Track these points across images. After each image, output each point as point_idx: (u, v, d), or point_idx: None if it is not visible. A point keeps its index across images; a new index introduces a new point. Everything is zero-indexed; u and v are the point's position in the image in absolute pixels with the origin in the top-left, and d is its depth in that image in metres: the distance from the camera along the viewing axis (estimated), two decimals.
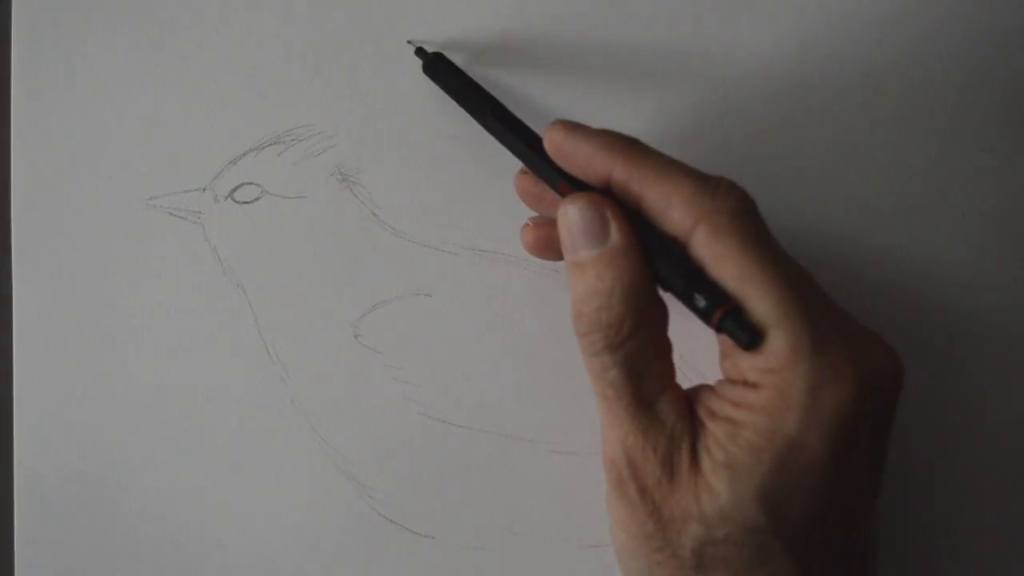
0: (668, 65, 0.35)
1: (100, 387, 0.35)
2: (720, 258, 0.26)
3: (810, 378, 0.25)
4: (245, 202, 0.35)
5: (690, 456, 0.26)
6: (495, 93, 0.32)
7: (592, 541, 0.34)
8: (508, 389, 0.35)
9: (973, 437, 0.34)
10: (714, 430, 0.26)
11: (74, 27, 0.36)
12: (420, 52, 0.34)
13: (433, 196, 0.35)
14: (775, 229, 0.27)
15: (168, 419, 0.35)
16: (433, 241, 0.35)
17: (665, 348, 0.28)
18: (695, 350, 0.30)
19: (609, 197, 0.28)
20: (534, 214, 0.33)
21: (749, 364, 0.26)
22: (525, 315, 0.35)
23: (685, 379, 0.30)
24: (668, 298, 0.28)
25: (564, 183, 0.29)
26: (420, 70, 0.34)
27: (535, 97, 0.35)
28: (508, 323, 0.35)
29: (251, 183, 0.35)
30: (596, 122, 0.29)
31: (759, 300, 0.26)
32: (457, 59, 0.34)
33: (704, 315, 0.26)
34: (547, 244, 0.32)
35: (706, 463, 0.26)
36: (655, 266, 0.27)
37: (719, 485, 0.26)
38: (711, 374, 0.29)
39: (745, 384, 0.26)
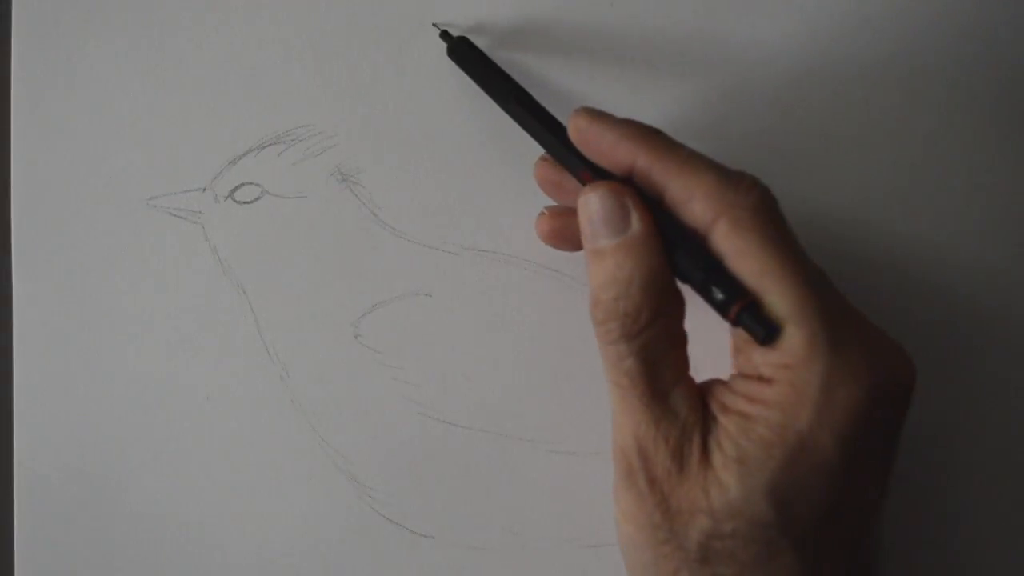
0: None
1: (100, 387, 0.35)
2: (740, 253, 0.26)
3: (825, 376, 0.25)
4: (245, 202, 0.35)
5: (701, 449, 0.26)
6: (519, 78, 0.32)
7: (592, 541, 0.34)
8: (508, 389, 0.35)
9: (975, 435, 0.34)
10: (726, 424, 0.26)
11: (74, 27, 0.36)
12: (445, 35, 0.34)
13: (433, 196, 0.35)
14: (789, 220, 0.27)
15: (168, 419, 0.35)
16: (433, 241, 0.35)
17: (681, 339, 0.28)
18: (709, 346, 0.30)
19: (631, 186, 0.28)
20: (548, 204, 0.33)
21: (764, 359, 0.26)
22: (525, 315, 0.35)
23: (698, 373, 0.30)
24: (685, 291, 0.28)
25: (586, 171, 0.29)
26: (423, 67, 0.34)
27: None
28: (508, 323, 0.35)
29: (251, 183, 0.35)
30: (616, 111, 0.29)
31: (777, 296, 0.26)
32: (482, 42, 0.34)
33: (721, 308, 0.26)
34: (562, 234, 0.32)
35: (716, 456, 0.26)
36: (674, 257, 0.27)
37: (729, 479, 0.26)
38: (720, 371, 0.29)
39: (759, 379, 0.26)
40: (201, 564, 0.35)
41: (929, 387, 0.33)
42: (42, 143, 0.36)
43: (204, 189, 0.36)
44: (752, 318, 0.26)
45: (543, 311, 0.35)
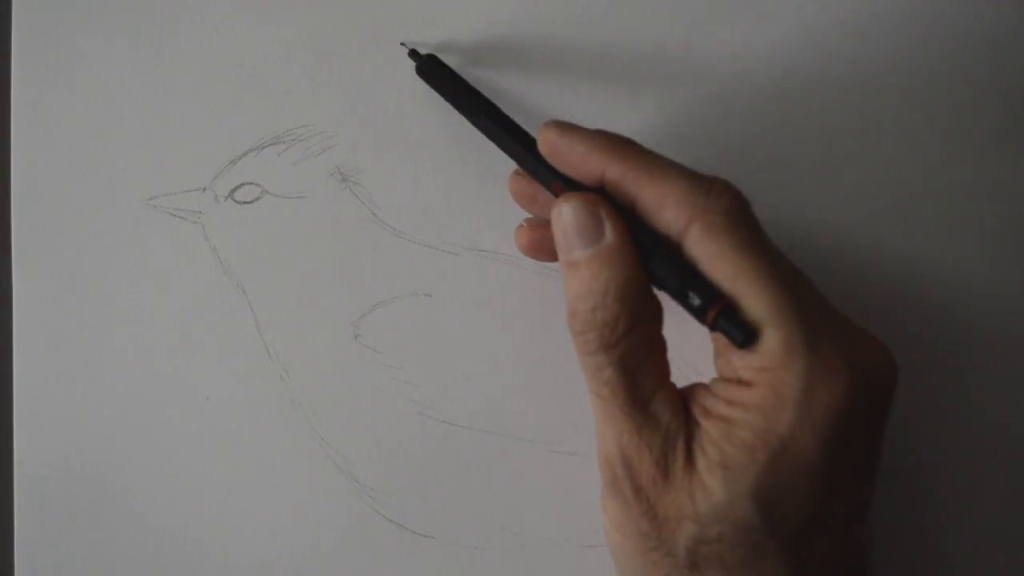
0: (664, 66, 0.35)
1: (100, 387, 0.35)
2: (714, 257, 0.26)
3: (804, 376, 0.25)
4: (245, 202, 0.36)
5: (685, 454, 0.26)
6: (489, 94, 0.33)
7: (592, 541, 0.34)
8: (508, 389, 0.35)
9: (971, 437, 0.34)
10: (708, 428, 0.26)
11: (74, 27, 0.36)
12: (413, 54, 0.34)
13: (433, 196, 0.35)
14: (772, 229, 0.28)
15: (168, 419, 0.35)
16: (433, 241, 0.35)
17: (660, 347, 0.28)
18: (692, 349, 0.30)
19: (603, 196, 0.28)
20: (527, 217, 0.33)
21: (743, 362, 0.26)
22: (525, 315, 0.35)
23: (683, 378, 0.30)
24: (663, 298, 0.28)
25: (558, 183, 0.29)
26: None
27: (529, 99, 0.35)
28: (508, 323, 0.35)
29: (251, 183, 0.35)
30: (591, 123, 0.29)
31: (753, 299, 0.26)
32: (451, 60, 0.34)
33: (698, 313, 0.26)
34: (541, 245, 0.32)
35: (701, 461, 0.26)
36: (649, 265, 0.27)
37: (713, 483, 0.26)
38: (708, 372, 0.29)
39: (739, 382, 0.26)
40: (201, 564, 0.35)
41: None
42: (42, 143, 0.36)
43: (204, 189, 0.36)
44: (729, 322, 0.26)
45: (543, 311, 0.35)
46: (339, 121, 0.35)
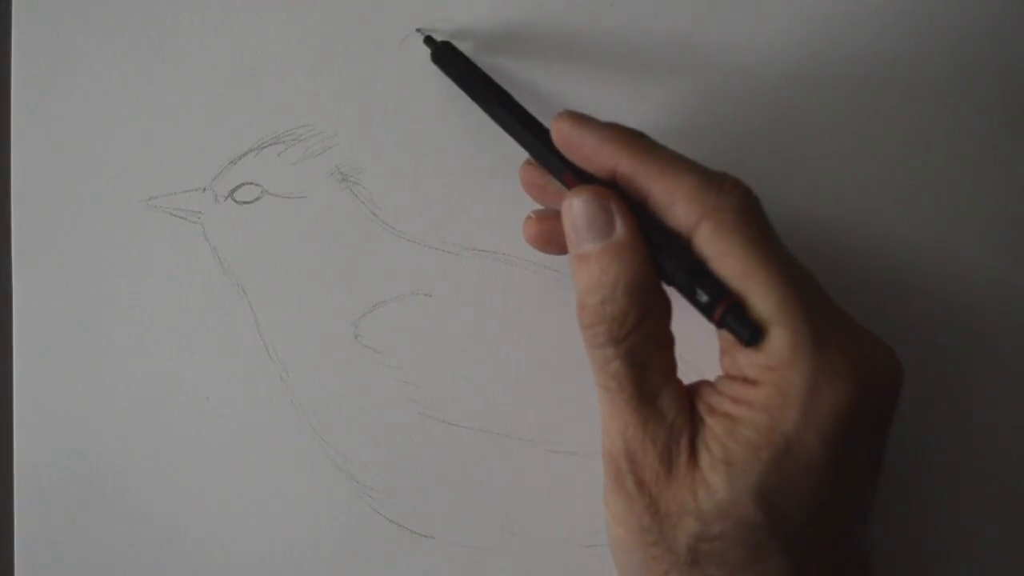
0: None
1: (100, 387, 0.35)
2: (723, 255, 0.26)
3: (810, 376, 0.25)
4: (245, 202, 0.35)
5: (689, 451, 0.26)
6: (502, 83, 0.32)
7: (592, 541, 0.34)
8: (508, 389, 0.35)
9: (973, 436, 0.34)
10: (713, 426, 0.26)
11: (74, 27, 0.36)
12: (429, 41, 0.34)
13: (433, 196, 0.35)
14: (776, 222, 0.27)
15: (168, 419, 0.35)
16: (433, 241, 0.35)
17: (668, 342, 0.28)
18: (694, 349, 0.30)
19: (614, 190, 0.28)
20: (537, 208, 0.33)
21: (749, 361, 0.26)
22: (525, 315, 0.35)
23: (685, 378, 0.30)
24: (671, 295, 0.28)
25: (569, 174, 0.29)
26: (422, 68, 0.34)
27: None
28: (508, 323, 0.35)
29: (251, 183, 0.35)
30: (599, 114, 0.29)
31: (761, 297, 0.26)
32: (464, 48, 0.34)
33: (706, 310, 0.26)
34: (549, 238, 0.32)
35: (704, 458, 0.26)
36: (659, 260, 0.27)
37: (716, 481, 0.26)
38: (708, 372, 0.29)
39: (744, 381, 0.26)
40: (201, 564, 0.35)
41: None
42: (42, 143, 0.36)
43: (204, 189, 0.36)
44: (736, 320, 0.26)
45: (543, 311, 0.35)
46: (339, 121, 0.35)
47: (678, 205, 0.27)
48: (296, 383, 0.35)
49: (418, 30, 0.35)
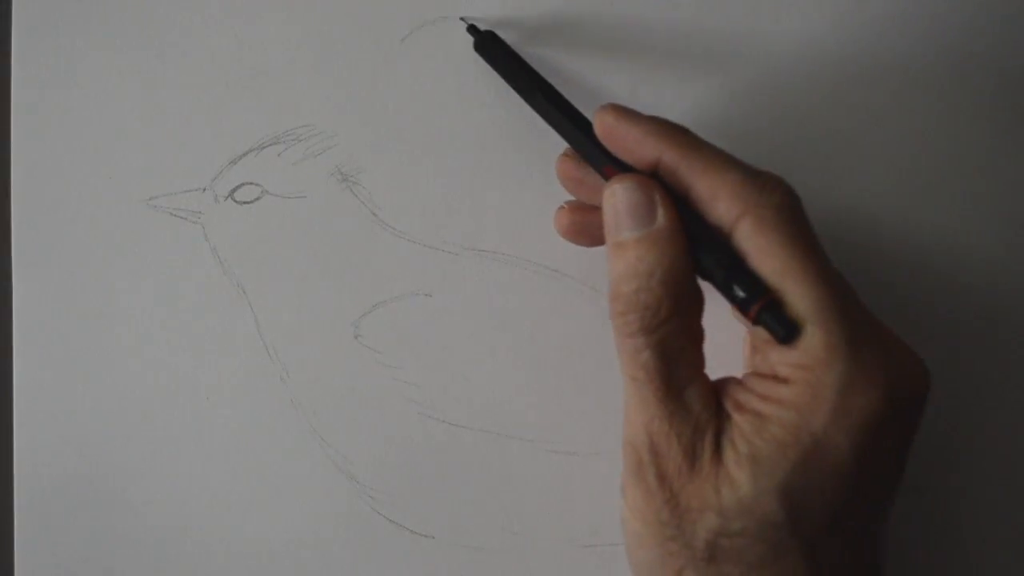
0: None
1: (100, 387, 0.35)
2: (762, 252, 0.26)
3: (843, 378, 0.25)
4: (245, 202, 0.35)
5: (713, 446, 0.26)
6: (547, 73, 0.32)
7: (592, 541, 0.34)
8: (508, 389, 0.35)
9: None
10: (740, 422, 0.26)
11: (74, 27, 0.36)
12: (472, 29, 0.34)
13: (433, 196, 0.35)
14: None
15: (168, 419, 0.35)
16: (433, 241, 0.35)
17: (698, 336, 0.28)
18: (715, 348, 0.30)
19: (657, 181, 0.28)
20: (568, 199, 0.33)
21: (781, 359, 0.26)
22: (525, 315, 0.35)
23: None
24: (706, 288, 0.28)
25: (610, 166, 0.29)
26: (422, 67, 0.34)
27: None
28: (508, 323, 0.35)
29: (251, 183, 0.35)
30: (642, 107, 0.29)
31: (798, 296, 0.26)
32: (509, 36, 0.34)
33: (742, 306, 0.26)
34: (581, 229, 0.32)
35: (729, 454, 0.26)
36: (697, 254, 0.27)
37: (741, 477, 0.26)
38: (720, 372, 0.29)
39: (775, 379, 0.26)
40: (201, 564, 0.35)
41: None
42: (42, 143, 0.36)
43: (204, 189, 0.36)
44: (772, 317, 0.26)
45: (543, 311, 0.35)
46: (339, 121, 0.35)
47: (720, 200, 0.27)
48: (296, 383, 0.35)
49: (461, 18, 0.35)
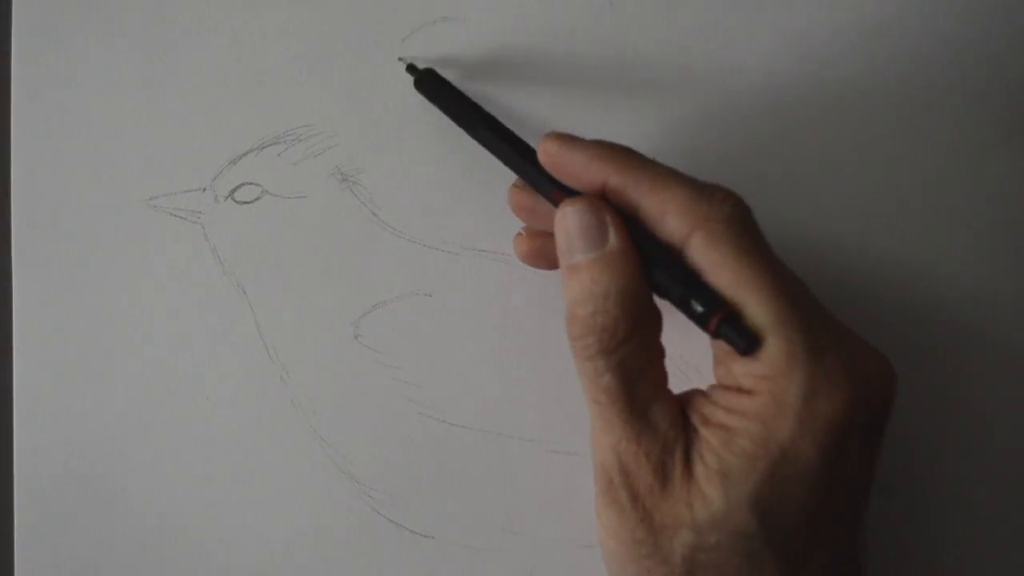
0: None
1: (100, 387, 0.36)
2: (716, 265, 0.26)
3: (805, 386, 0.25)
4: (245, 202, 0.36)
5: (683, 462, 0.26)
6: (489, 107, 0.33)
7: (591, 541, 0.34)
8: (508, 389, 0.35)
9: (967, 440, 0.34)
10: (707, 436, 0.26)
11: (74, 27, 0.36)
12: (411, 68, 0.34)
13: (433, 196, 0.35)
14: (774, 235, 0.27)
15: (168, 419, 0.35)
16: (433, 241, 0.35)
17: (658, 354, 0.28)
18: (695, 351, 0.30)
19: (607, 202, 0.28)
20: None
21: (744, 370, 0.26)
22: (525, 315, 0.35)
23: (685, 379, 0.30)
24: (662, 303, 0.28)
25: (558, 193, 0.29)
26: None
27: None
28: (508, 323, 0.35)
29: (251, 183, 0.35)
30: (592, 134, 0.29)
31: (755, 307, 0.26)
32: (451, 74, 0.34)
33: (701, 321, 0.26)
34: (540, 253, 0.32)
35: (699, 469, 0.26)
36: (651, 272, 0.27)
37: (712, 492, 0.26)
38: (709, 374, 0.29)
39: (739, 390, 0.26)
40: (201, 564, 0.35)
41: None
42: (42, 143, 0.36)
43: (204, 189, 0.36)
44: (732, 329, 0.26)
45: (543, 311, 0.35)
46: (339, 121, 0.35)
47: (669, 217, 0.27)
48: (296, 383, 0.35)
49: (400, 59, 0.35)
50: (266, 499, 0.35)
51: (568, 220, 0.28)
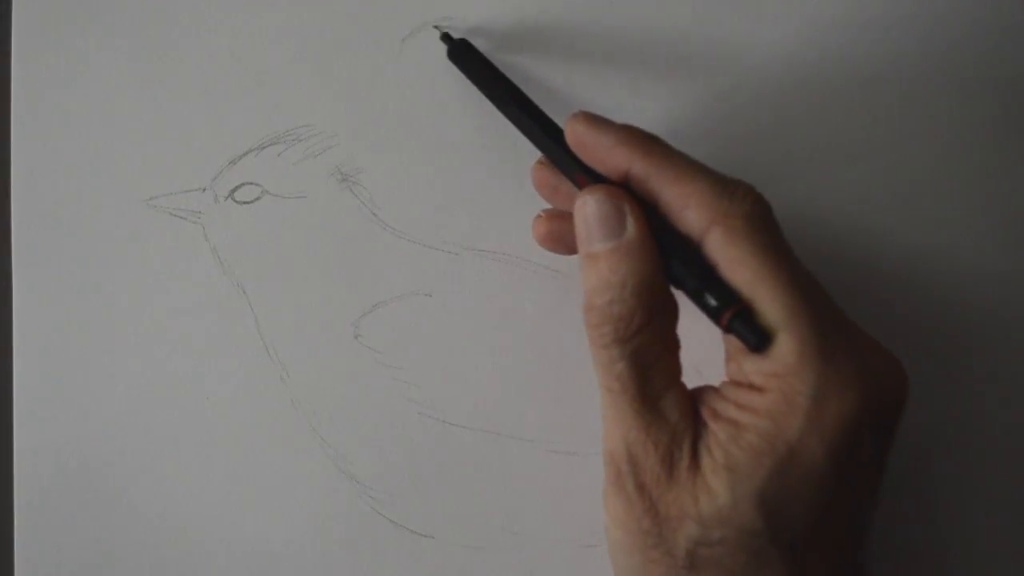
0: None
1: (100, 387, 0.35)
2: (733, 261, 0.26)
3: (816, 385, 0.25)
4: (245, 202, 0.36)
5: (691, 455, 0.26)
6: (519, 81, 0.32)
7: (591, 541, 0.34)
8: (508, 389, 0.35)
9: (973, 438, 0.34)
10: (716, 431, 0.26)
11: (74, 28, 0.36)
12: (446, 37, 0.34)
13: (433, 196, 0.35)
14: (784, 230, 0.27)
15: (168, 419, 0.35)
16: (433, 241, 0.35)
17: (673, 345, 0.28)
18: (697, 352, 0.30)
19: (627, 191, 0.28)
20: (545, 208, 0.33)
21: (755, 367, 0.26)
22: (525, 315, 0.35)
23: (686, 379, 0.30)
24: (678, 299, 0.28)
25: (582, 175, 0.29)
26: (423, 67, 0.34)
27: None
28: (508, 323, 0.35)
29: (251, 183, 0.35)
30: (611, 115, 0.29)
31: (769, 304, 0.26)
32: (479, 46, 0.34)
33: (714, 315, 0.26)
34: (558, 237, 0.32)
35: (706, 463, 0.26)
36: (668, 263, 0.27)
37: (718, 486, 0.26)
38: (712, 376, 0.29)
39: (750, 387, 0.26)
40: (201, 564, 0.35)
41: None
42: (42, 143, 0.36)
43: (204, 189, 0.36)
44: (744, 325, 0.26)
45: (543, 311, 0.35)
46: (339, 121, 0.35)
47: (690, 210, 0.27)
48: (296, 383, 0.35)
49: (435, 27, 0.35)
50: (266, 499, 0.35)
51: (588, 208, 0.28)
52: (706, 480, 0.26)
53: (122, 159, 0.36)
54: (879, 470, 0.27)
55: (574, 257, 0.33)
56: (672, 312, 0.28)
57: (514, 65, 0.34)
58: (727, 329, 0.26)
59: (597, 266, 0.27)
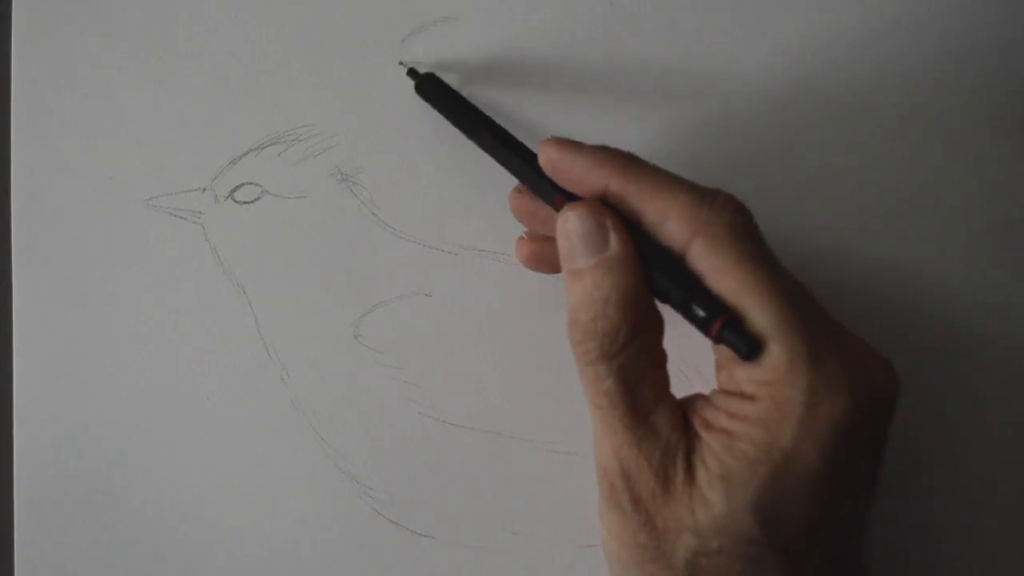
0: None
1: (100, 387, 0.35)
2: (717, 271, 0.26)
3: (807, 390, 0.25)
4: (245, 202, 0.36)
5: (685, 467, 0.26)
6: (490, 111, 0.33)
7: (592, 541, 0.34)
8: (508, 389, 0.35)
9: (970, 444, 0.34)
10: (709, 441, 0.26)
11: (74, 27, 0.36)
12: (412, 73, 0.34)
13: (433, 196, 0.35)
14: (776, 240, 0.27)
15: (168, 419, 0.35)
16: (433, 241, 0.35)
17: (660, 359, 0.28)
18: (696, 353, 0.30)
19: (609, 207, 0.28)
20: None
21: (746, 375, 0.26)
22: (525, 315, 0.35)
23: (688, 382, 0.30)
24: (663, 311, 0.28)
25: (559, 197, 0.29)
26: (422, 68, 0.34)
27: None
28: (508, 323, 0.35)
29: (251, 183, 0.35)
30: (595, 138, 0.29)
31: (757, 312, 0.26)
32: (451, 78, 0.34)
33: (703, 326, 0.26)
34: (542, 258, 0.32)
35: (701, 474, 0.26)
36: (653, 277, 0.27)
37: (714, 496, 0.26)
38: (711, 375, 0.29)
39: (741, 396, 0.26)
40: (201, 564, 0.35)
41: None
42: (42, 143, 0.36)
43: (204, 189, 0.36)
44: (734, 334, 0.26)
45: (543, 311, 0.35)
46: (339, 121, 0.35)
47: (671, 222, 0.27)
48: (296, 383, 0.35)
49: (401, 63, 0.35)
50: (266, 499, 0.35)
51: (569, 225, 0.28)
52: (702, 491, 0.26)
53: (122, 159, 0.36)
54: (874, 471, 0.27)
55: None
56: (658, 326, 0.28)
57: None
58: (717, 339, 0.26)
59: (581, 282, 0.27)
